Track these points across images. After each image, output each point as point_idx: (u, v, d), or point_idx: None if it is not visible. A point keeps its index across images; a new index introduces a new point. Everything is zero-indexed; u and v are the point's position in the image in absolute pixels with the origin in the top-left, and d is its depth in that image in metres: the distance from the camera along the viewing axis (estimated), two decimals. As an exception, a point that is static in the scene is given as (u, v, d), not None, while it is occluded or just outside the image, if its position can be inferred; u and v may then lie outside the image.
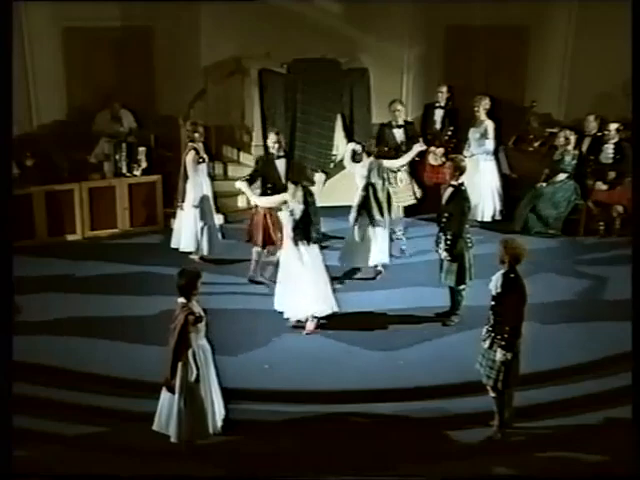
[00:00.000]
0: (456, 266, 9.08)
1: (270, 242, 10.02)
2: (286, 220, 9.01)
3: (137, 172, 11.92)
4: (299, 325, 9.19)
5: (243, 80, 12.44)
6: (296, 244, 8.93)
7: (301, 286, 8.96)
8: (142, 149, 11.94)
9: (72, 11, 12.08)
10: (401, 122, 11.31)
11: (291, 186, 9.00)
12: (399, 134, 11.29)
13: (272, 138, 10.09)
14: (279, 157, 10.05)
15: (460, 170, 9.10)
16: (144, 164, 11.92)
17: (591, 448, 7.67)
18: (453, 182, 9.11)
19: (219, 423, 7.55)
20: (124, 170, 11.91)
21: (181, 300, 7.21)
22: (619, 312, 8.86)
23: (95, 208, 11.66)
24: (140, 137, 12.28)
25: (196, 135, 10.60)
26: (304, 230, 8.90)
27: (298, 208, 8.90)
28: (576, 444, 7.73)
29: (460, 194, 9.08)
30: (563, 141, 11.81)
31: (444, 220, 9.12)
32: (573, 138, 11.77)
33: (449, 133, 12.25)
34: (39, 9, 12.18)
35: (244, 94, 12.50)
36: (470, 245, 9.14)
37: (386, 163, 10.19)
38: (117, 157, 11.89)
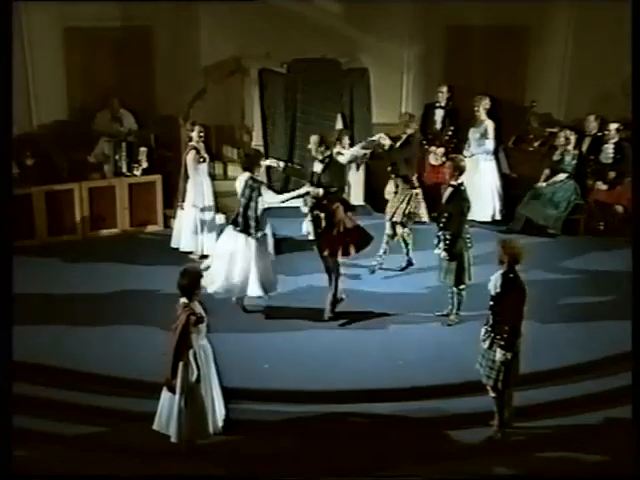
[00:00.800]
0: (455, 266, 9.09)
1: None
2: None
3: (137, 172, 11.91)
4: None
5: (243, 80, 12.43)
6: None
7: (231, 267, 9.26)
8: (143, 149, 11.93)
9: (72, 11, 12.07)
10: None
11: (242, 173, 9.23)
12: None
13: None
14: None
15: (460, 170, 9.10)
16: (145, 164, 11.91)
17: (591, 448, 7.67)
18: (452, 182, 9.11)
19: (219, 423, 7.55)
20: (124, 170, 11.90)
21: (183, 300, 7.21)
22: (619, 312, 8.87)
23: (95, 208, 11.66)
24: (140, 137, 12.27)
25: (194, 134, 10.62)
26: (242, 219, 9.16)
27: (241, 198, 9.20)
28: (576, 444, 7.74)
29: (459, 194, 9.08)
30: (563, 141, 11.82)
31: (443, 220, 9.13)
32: (573, 138, 11.77)
33: (449, 133, 12.26)
34: (39, 9, 12.16)
35: (244, 94, 12.51)
36: (469, 245, 9.15)
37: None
38: (117, 157, 11.89)
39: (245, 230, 9.20)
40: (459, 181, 9.09)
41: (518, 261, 7.49)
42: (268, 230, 9.66)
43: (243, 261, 9.23)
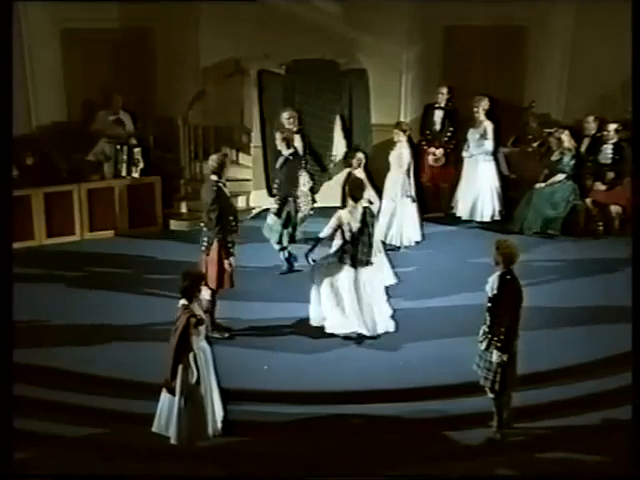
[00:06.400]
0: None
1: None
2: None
3: (135, 173, 11.90)
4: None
5: (242, 81, 12.44)
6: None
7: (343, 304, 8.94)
8: (137, 149, 11.90)
9: (71, 12, 12.07)
10: None
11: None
12: None
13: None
14: None
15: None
16: (141, 164, 11.89)
17: (591, 448, 7.66)
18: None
19: (219, 424, 7.53)
20: (123, 172, 11.87)
21: (183, 302, 7.20)
22: (619, 312, 8.86)
23: (94, 209, 11.65)
24: (138, 138, 12.26)
25: (354, 161, 10.34)
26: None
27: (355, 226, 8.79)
28: (576, 444, 7.73)
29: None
30: (556, 142, 11.81)
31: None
32: (566, 138, 11.76)
33: (449, 134, 12.26)
34: (38, 10, 12.18)
35: (243, 95, 12.51)
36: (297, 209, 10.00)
37: None
38: (118, 159, 11.86)
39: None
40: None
41: (513, 261, 7.47)
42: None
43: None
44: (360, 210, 8.80)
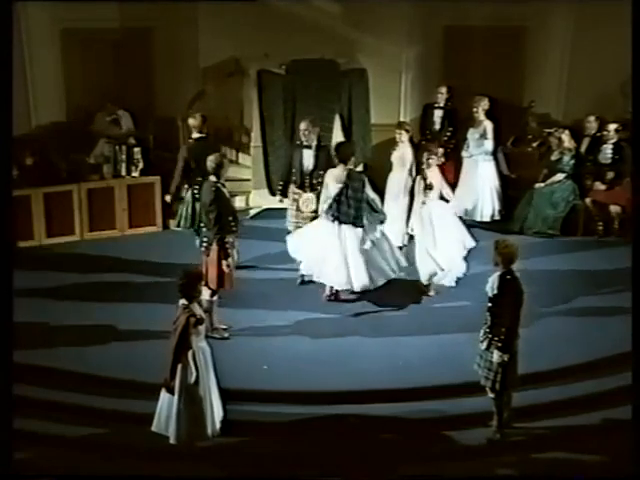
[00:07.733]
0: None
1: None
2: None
3: (135, 173, 11.89)
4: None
5: (242, 81, 12.44)
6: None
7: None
8: (137, 149, 11.89)
9: (71, 12, 12.07)
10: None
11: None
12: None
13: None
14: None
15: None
16: (141, 164, 11.89)
17: (591, 448, 7.67)
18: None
19: (218, 424, 7.53)
20: (123, 172, 11.87)
21: (182, 301, 7.21)
22: (618, 312, 8.87)
23: (94, 209, 11.65)
24: (138, 138, 12.26)
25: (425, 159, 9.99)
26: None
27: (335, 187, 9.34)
28: (576, 444, 7.74)
29: None
30: (556, 142, 11.81)
31: None
32: (566, 137, 11.76)
33: (448, 134, 12.26)
34: (38, 10, 12.17)
35: (243, 95, 12.51)
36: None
37: None
38: (117, 159, 11.85)
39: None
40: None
41: (512, 261, 7.47)
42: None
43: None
44: (345, 172, 9.34)
